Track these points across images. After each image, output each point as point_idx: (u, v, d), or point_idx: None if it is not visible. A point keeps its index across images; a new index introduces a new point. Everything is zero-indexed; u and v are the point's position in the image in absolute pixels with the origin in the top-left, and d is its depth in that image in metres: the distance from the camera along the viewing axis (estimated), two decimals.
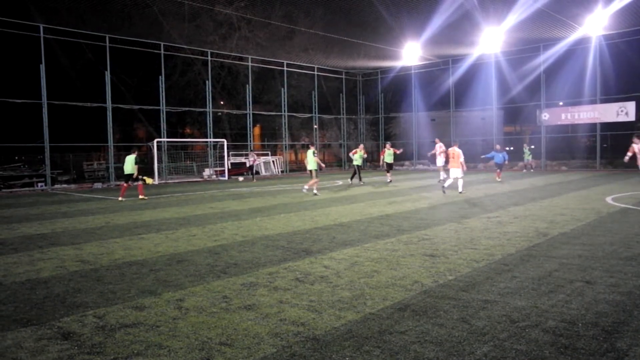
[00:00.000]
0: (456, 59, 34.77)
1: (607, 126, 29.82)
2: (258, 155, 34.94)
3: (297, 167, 40.22)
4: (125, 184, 17.26)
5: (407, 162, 38.37)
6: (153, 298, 5.46)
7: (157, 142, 26.76)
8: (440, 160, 21.65)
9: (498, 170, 22.33)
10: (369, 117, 41.50)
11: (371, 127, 41.82)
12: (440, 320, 4.58)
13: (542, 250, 7.44)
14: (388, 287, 5.68)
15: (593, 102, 29.75)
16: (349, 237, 8.97)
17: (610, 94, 29.55)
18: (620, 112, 28.55)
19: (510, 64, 32.77)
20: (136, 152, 17.40)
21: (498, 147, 23.06)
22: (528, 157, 29.03)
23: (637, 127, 29.55)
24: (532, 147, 30.20)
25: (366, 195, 16.64)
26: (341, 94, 39.70)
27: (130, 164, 16.84)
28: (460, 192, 16.45)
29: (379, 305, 5.04)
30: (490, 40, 29.96)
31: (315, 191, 17.60)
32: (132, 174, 16.81)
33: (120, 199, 17.17)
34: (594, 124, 29.80)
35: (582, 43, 29.47)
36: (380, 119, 40.19)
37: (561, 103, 32.77)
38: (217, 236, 9.36)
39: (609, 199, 13.81)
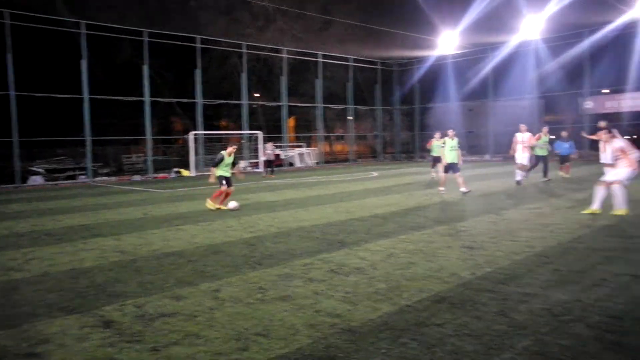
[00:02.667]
0: (494, 47, 33.87)
1: None
2: (293, 146, 35.04)
3: (332, 159, 40.19)
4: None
5: None
6: (190, 288, 5.54)
7: (194, 134, 27.18)
8: (524, 157, 15.97)
9: (565, 164, 17.80)
10: (405, 107, 41.00)
11: (406, 118, 41.32)
12: (478, 313, 4.48)
13: (585, 243, 7.18)
14: (425, 279, 5.60)
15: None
16: (384, 228, 8.89)
17: None
18: None
19: (551, 51, 31.68)
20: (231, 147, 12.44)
21: (564, 134, 18.23)
22: None
23: None
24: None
25: (402, 187, 16.47)
26: (376, 85, 39.34)
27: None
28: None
29: (415, 297, 4.98)
30: (531, 27, 29.05)
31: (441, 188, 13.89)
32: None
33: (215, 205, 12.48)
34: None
35: (630, 27, 28.18)
36: (416, 110, 39.64)
37: (607, 91, 31.50)
38: (252, 227, 9.43)
39: None
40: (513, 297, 4.88)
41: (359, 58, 36.87)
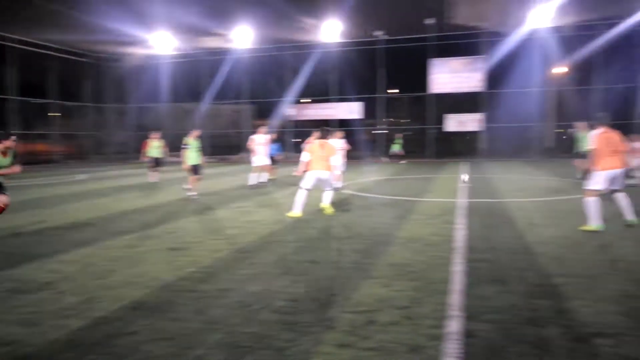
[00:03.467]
0: (212, 52, 34.94)
1: (346, 122, 33.93)
2: None
3: (33, 160, 35.24)
4: None
5: None
6: None
7: None
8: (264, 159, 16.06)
9: (272, 165, 17.98)
10: (119, 106, 38.72)
11: (121, 117, 39.08)
12: (175, 315, 4.49)
13: (280, 236, 7.99)
14: (124, 287, 5.34)
15: (334, 100, 33.57)
16: (85, 235, 8.17)
17: (347, 94, 33.64)
18: (351, 110, 32.90)
19: (265, 60, 34.42)
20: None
21: (273, 136, 18.82)
22: (397, 147, 28.59)
23: (366, 124, 34.19)
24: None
25: (112, 190, 15.49)
26: (87, 80, 36.12)
27: None
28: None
29: (111, 307, 4.69)
30: (242, 36, 31.01)
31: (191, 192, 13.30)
32: None
33: None
34: (336, 120, 33.57)
35: (325, 47, 32.84)
36: (132, 109, 37.88)
37: (309, 100, 35.98)
38: None
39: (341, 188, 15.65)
40: (211, 294, 5.06)
41: (66, 48, 33.25)
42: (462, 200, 11.92)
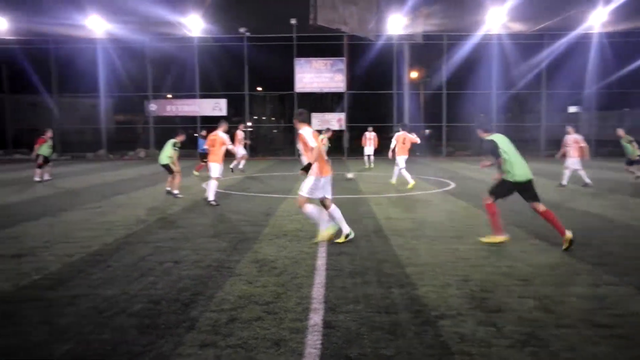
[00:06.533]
0: (60, 40, 31.87)
1: (206, 119, 33.20)
2: None
3: None
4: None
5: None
6: None
7: None
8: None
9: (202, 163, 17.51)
10: None
11: None
12: (17, 328, 4.05)
13: (139, 237, 7.58)
14: None
15: (194, 96, 32.64)
16: None
17: (208, 91, 32.91)
18: (215, 107, 32.31)
19: (124, 52, 32.27)
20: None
21: (204, 133, 17.82)
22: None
23: (231, 120, 33.77)
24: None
25: None
26: None
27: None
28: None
29: None
30: (96, 25, 28.83)
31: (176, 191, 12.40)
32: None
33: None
34: (195, 117, 32.70)
35: (186, 41, 31.80)
36: None
37: (169, 95, 34.58)
38: None
39: (204, 185, 15.28)
40: (60, 302, 4.65)
41: None
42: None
